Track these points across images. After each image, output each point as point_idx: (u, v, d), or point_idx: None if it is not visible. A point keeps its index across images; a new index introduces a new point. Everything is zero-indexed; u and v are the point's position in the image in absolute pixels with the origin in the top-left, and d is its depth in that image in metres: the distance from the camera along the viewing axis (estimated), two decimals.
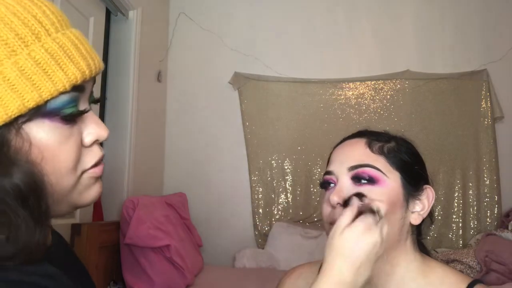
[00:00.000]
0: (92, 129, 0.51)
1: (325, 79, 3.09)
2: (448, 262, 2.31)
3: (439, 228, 2.86)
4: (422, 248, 0.78)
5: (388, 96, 3.05)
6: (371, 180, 0.68)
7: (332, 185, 0.73)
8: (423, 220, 0.74)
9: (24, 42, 0.44)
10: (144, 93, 2.73)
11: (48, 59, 0.45)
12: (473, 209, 2.89)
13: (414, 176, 0.72)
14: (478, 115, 2.95)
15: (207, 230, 2.92)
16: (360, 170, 0.69)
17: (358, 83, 3.09)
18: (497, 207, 2.86)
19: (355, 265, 0.59)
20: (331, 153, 0.78)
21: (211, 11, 3.25)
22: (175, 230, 2.35)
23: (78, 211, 2.05)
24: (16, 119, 0.43)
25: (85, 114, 0.50)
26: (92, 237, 1.88)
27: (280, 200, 3.07)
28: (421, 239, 0.78)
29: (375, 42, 3.11)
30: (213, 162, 3.13)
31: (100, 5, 2.36)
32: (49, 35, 0.46)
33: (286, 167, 3.08)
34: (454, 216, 2.90)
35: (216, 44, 3.19)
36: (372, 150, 0.71)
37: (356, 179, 0.69)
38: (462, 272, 1.80)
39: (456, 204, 2.91)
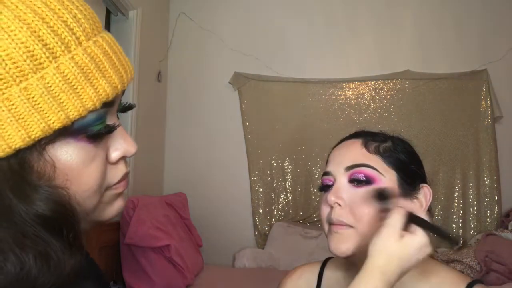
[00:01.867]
0: (119, 145, 0.46)
1: (325, 79, 3.09)
2: (448, 262, 2.31)
3: None
4: None
5: (388, 96, 3.05)
6: (368, 180, 0.69)
7: (329, 187, 0.73)
8: None
9: (53, 53, 0.39)
10: (144, 93, 2.73)
11: (78, 73, 0.39)
12: (473, 209, 2.89)
13: (410, 175, 0.72)
14: (478, 115, 2.95)
15: (207, 230, 2.91)
16: (356, 169, 0.70)
17: (358, 83, 3.09)
18: (497, 207, 2.86)
19: (405, 270, 0.60)
20: (329, 155, 0.79)
21: (211, 11, 3.25)
22: (175, 230, 2.35)
23: None
24: (39, 140, 0.39)
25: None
26: (92, 237, 1.88)
27: (280, 200, 3.07)
28: None
29: (375, 42, 3.11)
30: (213, 162, 3.13)
31: (100, 5, 2.36)
32: (80, 44, 0.41)
33: (286, 167, 3.08)
34: (454, 216, 2.90)
35: (216, 44, 3.19)
36: (368, 150, 0.72)
37: (354, 181, 0.70)
38: (462, 272, 1.80)
39: (456, 204, 2.91)
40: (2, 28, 0.37)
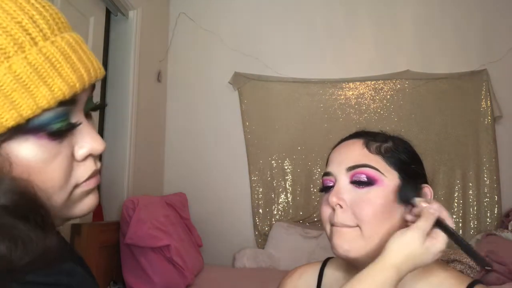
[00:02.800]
0: (86, 142, 0.47)
1: (325, 79, 3.09)
2: (448, 262, 2.31)
3: None
4: None
5: (388, 96, 3.05)
6: (370, 181, 0.68)
7: (330, 188, 0.73)
8: None
9: (5, 54, 0.40)
10: (144, 93, 2.73)
11: (31, 73, 0.40)
12: (473, 209, 2.89)
13: (412, 175, 0.72)
14: (478, 115, 2.95)
15: (207, 230, 2.91)
16: (358, 170, 0.69)
17: (358, 83, 3.09)
18: (497, 207, 2.86)
19: (412, 269, 0.62)
20: (329, 155, 0.78)
21: (211, 11, 3.25)
22: (175, 230, 2.35)
23: None
24: None
25: (79, 126, 0.46)
26: (92, 237, 1.88)
27: (280, 200, 3.07)
28: None
29: (375, 42, 3.11)
30: (213, 162, 3.13)
31: (100, 5, 2.36)
32: (35, 44, 0.41)
33: (286, 167, 3.08)
34: (454, 216, 2.90)
35: (216, 44, 3.19)
36: (369, 150, 0.71)
37: (356, 182, 0.69)
38: (462, 272, 1.80)
39: (456, 204, 2.91)
40: None
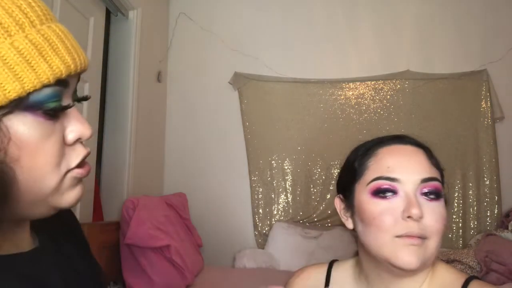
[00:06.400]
0: (75, 126, 0.48)
1: (325, 79, 3.09)
2: (448, 262, 2.31)
3: None
4: None
5: (388, 96, 3.05)
6: (440, 195, 0.68)
7: (389, 194, 0.69)
8: None
9: (8, 31, 0.42)
10: (144, 93, 2.73)
11: (32, 50, 0.43)
12: (473, 209, 2.89)
13: (444, 189, 0.73)
14: (478, 115, 2.95)
15: (207, 230, 2.92)
16: (432, 183, 0.68)
17: (358, 83, 3.09)
18: (497, 207, 2.86)
19: None
20: (376, 154, 0.74)
21: (211, 11, 3.25)
22: (175, 230, 2.35)
23: (78, 211, 2.05)
24: None
25: (69, 111, 0.48)
26: (92, 237, 1.88)
27: (280, 200, 3.07)
28: None
29: (375, 42, 3.11)
30: (213, 162, 3.13)
31: (100, 5, 2.36)
32: (34, 26, 0.44)
33: (286, 167, 3.08)
34: (454, 216, 2.90)
35: (216, 44, 3.19)
36: (432, 163, 0.71)
37: (428, 195, 0.68)
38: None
39: (456, 204, 2.91)
40: None
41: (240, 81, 3.14)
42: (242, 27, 3.21)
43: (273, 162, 3.09)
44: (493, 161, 2.89)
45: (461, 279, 0.70)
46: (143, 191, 2.61)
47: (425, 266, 0.68)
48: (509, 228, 2.59)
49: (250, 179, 3.08)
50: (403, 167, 0.69)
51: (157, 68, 3.02)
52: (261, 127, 3.11)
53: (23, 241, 0.51)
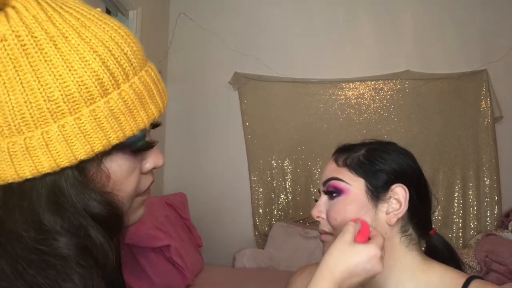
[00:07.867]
0: (151, 158, 0.53)
1: (325, 79, 3.09)
2: None
3: (439, 228, 2.86)
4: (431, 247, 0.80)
5: (388, 96, 3.05)
6: (337, 191, 0.75)
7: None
8: (419, 219, 0.75)
9: (116, 81, 0.45)
10: None
11: (135, 99, 0.46)
12: (473, 209, 2.89)
13: (379, 179, 0.74)
14: (478, 115, 2.95)
15: (207, 230, 2.91)
16: (328, 183, 0.77)
17: (358, 83, 3.09)
18: (497, 207, 2.86)
19: (355, 278, 0.63)
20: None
21: (211, 11, 3.25)
22: (175, 230, 2.35)
23: None
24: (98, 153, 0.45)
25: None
26: None
27: (280, 200, 3.07)
28: (424, 237, 0.79)
29: (375, 42, 3.11)
30: (213, 162, 3.13)
31: (100, 5, 2.36)
32: (136, 73, 0.47)
33: (286, 167, 3.08)
34: (454, 216, 2.90)
35: (216, 44, 3.19)
36: (337, 164, 0.78)
37: (328, 194, 0.77)
38: None
39: (456, 204, 2.91)
40: (80, 58, 0.43)
41: (240, 81, 3.14)
42: (242, 27, 3.21)
43: (273, 162, 3.09)
44: (493, 161, 2.89)
45: (461, 279, 0.70)
46: None
47: None
48: (509, 228, 2.60)
49: (250, 179, 3.08)
50: (319, 179, 0.83)
51: (157, 68, 3.01)
52: (261, 127, 3.11)
53: None
